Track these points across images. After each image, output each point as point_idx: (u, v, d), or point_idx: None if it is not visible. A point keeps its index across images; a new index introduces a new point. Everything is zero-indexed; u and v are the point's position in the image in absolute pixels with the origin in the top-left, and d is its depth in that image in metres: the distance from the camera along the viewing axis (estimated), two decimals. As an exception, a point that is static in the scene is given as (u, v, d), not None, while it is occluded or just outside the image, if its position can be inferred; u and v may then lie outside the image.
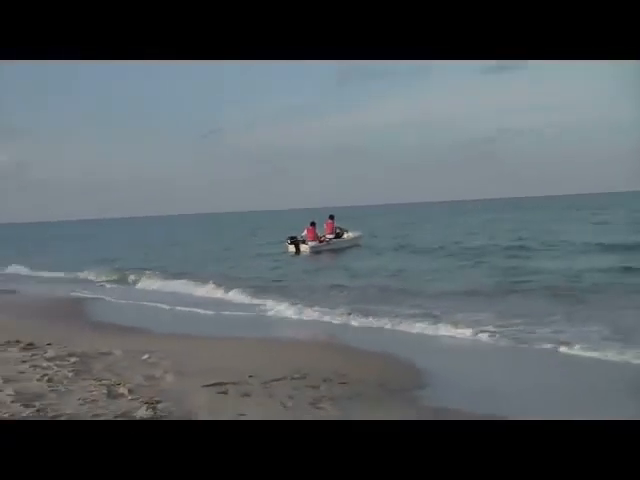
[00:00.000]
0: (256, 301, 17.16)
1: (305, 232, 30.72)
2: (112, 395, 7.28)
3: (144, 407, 6.67)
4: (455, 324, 12.02)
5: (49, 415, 6.36)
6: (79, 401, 6.98)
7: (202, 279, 21.57)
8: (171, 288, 21.05)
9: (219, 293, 19.08)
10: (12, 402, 6.87)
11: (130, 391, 7.45)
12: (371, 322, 13.19)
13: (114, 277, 25.64)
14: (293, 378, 8.28)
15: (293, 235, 30.97)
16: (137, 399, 7.07)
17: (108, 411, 6.51)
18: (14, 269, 31.67)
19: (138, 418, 5.56)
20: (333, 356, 10.24)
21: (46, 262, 32.61)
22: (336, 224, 31.70)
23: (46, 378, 8.16)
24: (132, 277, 24.45)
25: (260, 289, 19.06)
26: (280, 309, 15.46)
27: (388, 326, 12.55)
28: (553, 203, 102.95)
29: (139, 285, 23.10)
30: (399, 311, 13.89)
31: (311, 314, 14.61)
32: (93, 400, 7.04)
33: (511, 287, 16.79)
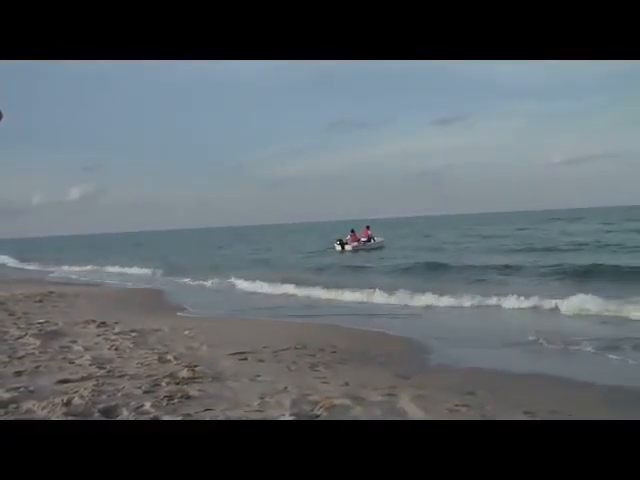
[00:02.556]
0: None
1: (349, 236, 36.58)
2: (162, 360, 7.81)
3: (185, 370, 7.14)
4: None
5: (116, 375, 6.88)
6: (137, 365, 7.51)
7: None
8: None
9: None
10: (90, 365, 7.46)
11: (175, 357, 7.98)
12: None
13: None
14: (296, 348, 8.93)
15: (340, 238, 37.03)
16: (180, 363, 7.56)
17: (159, 372, 7.01)
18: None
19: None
20: (326, 332, 10.97)
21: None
22: (369, 232, 37.74)
23: (114, 347, 8.85)
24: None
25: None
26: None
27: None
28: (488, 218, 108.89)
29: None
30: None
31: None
32: (148, 364, 7.55)
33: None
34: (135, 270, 30.05)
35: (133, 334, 10.15)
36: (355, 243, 36.32)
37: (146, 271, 28.94)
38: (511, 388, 6.79)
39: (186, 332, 10.47)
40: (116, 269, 32.58)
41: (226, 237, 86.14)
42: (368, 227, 38.59)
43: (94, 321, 11.71)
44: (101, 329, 10.82)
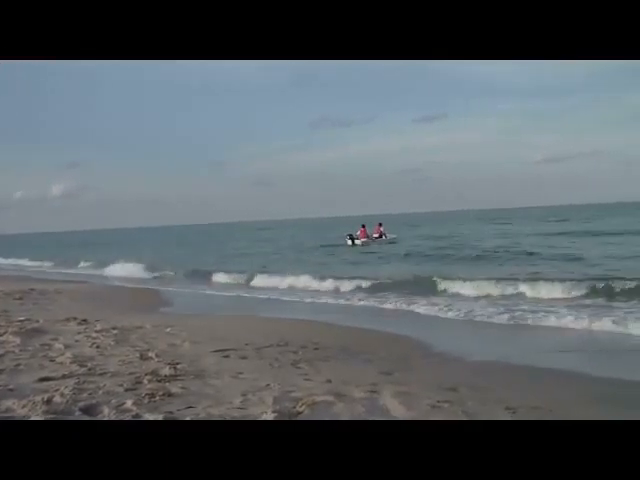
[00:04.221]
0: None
1: (359, 232, 36.78)
2: (144, 358, 7.72)
3: (167, 367, 7.07)
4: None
5: (97, 373, 6.79)
6: (119, 362, 7.42)
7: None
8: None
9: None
10: (71, 363, 7.36)
11: (157, 355, 7.89)
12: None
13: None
14: (279, 345, 8.87)
15: (350, 233, 37.21)
16: (162, 361, 7.48)
17: (140, 370, 6.93)
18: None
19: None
20: (308, 329, 10.91)
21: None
22: (381, 229, 37.70)
23: (95, 345, 8.73)
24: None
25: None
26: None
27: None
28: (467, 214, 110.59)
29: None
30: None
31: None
32: (129, 362, 7.46)
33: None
34: (118, 267, 29.75)
35: (114, 331, 10.06)
36: (364, 239, 36.47)
37: (129, 268, 28.68)
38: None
39: (168, 329, 10.42)
40: (98, 266, 32.21)
41: (214, 234, 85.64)
42: (380, 224, 38.55)
43: (75, 318, 11.60)
44: (82, 327, 10.72)
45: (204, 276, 23.51)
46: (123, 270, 28.27)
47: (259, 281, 21.07)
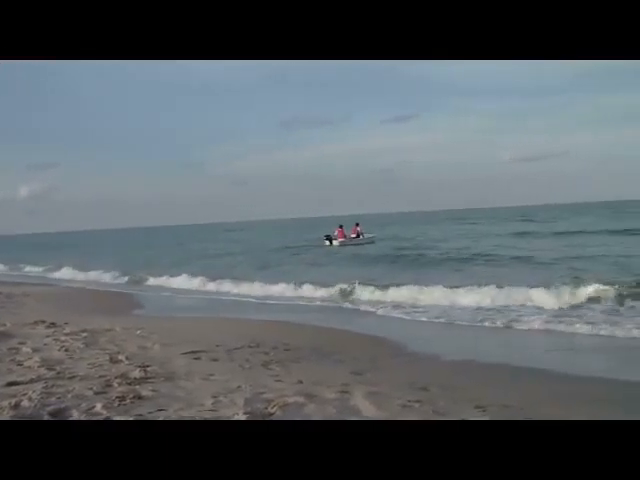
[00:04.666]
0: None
1: (336, 232, 36.68)
2: (114, 361, 7.64)
3: (137, 370, 7.00)
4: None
5: (66, 376, 6.71)
6: (88, 365, 7.34)
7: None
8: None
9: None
10: (39, 366, 7.26)
11: (127, 358, 7.82)
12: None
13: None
14: (250, 346, 8.86)
15: (327, 234, 37.17)
16: (132, 364, 7.41)
17: (110, 373, 6.86)
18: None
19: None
20: (279, 330, 10.93)
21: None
22: (359, 228, 37.75)
23: (64, 348, 8.62)
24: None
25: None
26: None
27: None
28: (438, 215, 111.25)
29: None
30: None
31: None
32: (99, 365, 7.38)
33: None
34: (91, 272, 29.39)
35: (84, 334, 9.95)
36: (342, 239, 36.51)
37: (99, 271, 28.35)
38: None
39: (138, 331, 10.34)
40: (66, 269, 31.73)
41: (187, 234, 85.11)
42: (357, 224, 38.64)
43: (43, 322, 11.46)
44: (51, 330, 10.59)
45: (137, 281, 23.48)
46: (94, 273, 27.92)
47: (178, 282, 21.43)
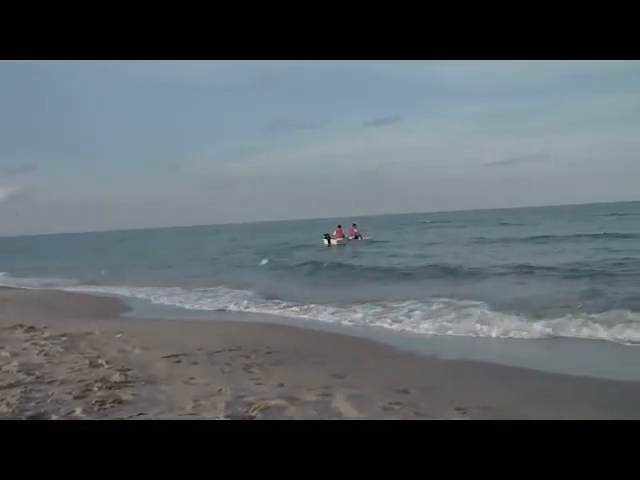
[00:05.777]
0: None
1: (335, 232, 37.68)
2: (93, 365, 7.59)
3: (117, 373, 6.98)
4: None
5: (45, 381, 6.65)
6: (68, 370, 7.28)
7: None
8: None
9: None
10: (18, 371, 7.19)
11: (107, 362, 7.76)
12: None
13: None
14: (230, 350, 8.77)
15: (326, 233, 37.94)
16: (112, 367, 7.38)
17: (90, 377, 6.82)
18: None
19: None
20: (261, 332, 10.76)
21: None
22: (355, 230, 38.79)
23: (43, 352, 8.56)
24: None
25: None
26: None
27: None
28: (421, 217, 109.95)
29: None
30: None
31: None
32: (79, 369, 7.33)
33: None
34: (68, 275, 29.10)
35: (63, 338, 9.86)
36: (340, 238, 37.34)
37: (78, 275, 28.09)
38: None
39: (118, 335, 10.26)
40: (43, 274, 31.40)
41: (150, 238, 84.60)
42: (354, 225, 39.53)
43: (22, 326, 11.35)
44: (30, 334, 10.49)
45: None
46: (72, 276, 27.66)
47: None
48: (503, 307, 11.54)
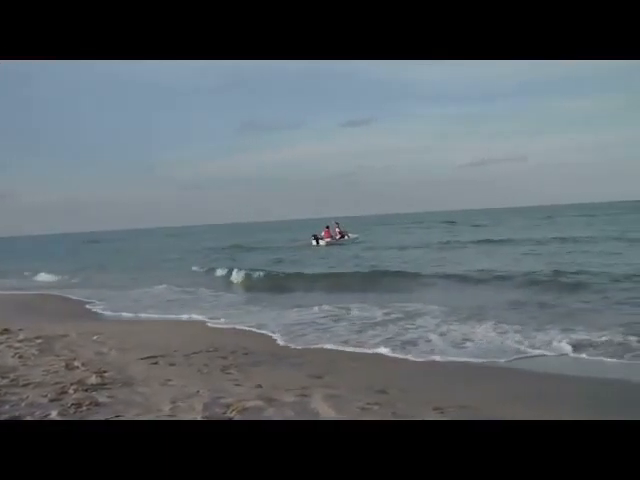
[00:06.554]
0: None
1: (323, 232, 38.09)
2: (69, 367, 7.53)
3: (94, 376, 6.94)
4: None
5: (20, 384, 6.57)
6: (43, 372, 7.22)
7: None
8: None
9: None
10: None
11: (83, 364, 7.71)
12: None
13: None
14: (208, 351, 8.75)
15: (315, 233, 38.32)
16: (88, 370, 7.31)
17: (66, 379, 6.77)
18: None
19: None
20: (237, 334, 10.80)
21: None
22: (339, 229, 39.24)
23: (18, 355, 8.46)
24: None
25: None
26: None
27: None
28: (400, 218, 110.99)
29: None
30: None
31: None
32: (54, 371, 7.27)
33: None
34: (42, 276, 28.76)
35: (38, 341, 9.75)
36: (328, 239, 37.89)
37: (52, 276, 27.78)
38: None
39: (95, 337, 10.17)
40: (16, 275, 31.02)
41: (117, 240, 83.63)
42: (337, 224, 40.16)
43: (-4, 328, 11.11)
44: (4, 336, 10.36)
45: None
46: (47, 278, 27.40)
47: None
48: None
